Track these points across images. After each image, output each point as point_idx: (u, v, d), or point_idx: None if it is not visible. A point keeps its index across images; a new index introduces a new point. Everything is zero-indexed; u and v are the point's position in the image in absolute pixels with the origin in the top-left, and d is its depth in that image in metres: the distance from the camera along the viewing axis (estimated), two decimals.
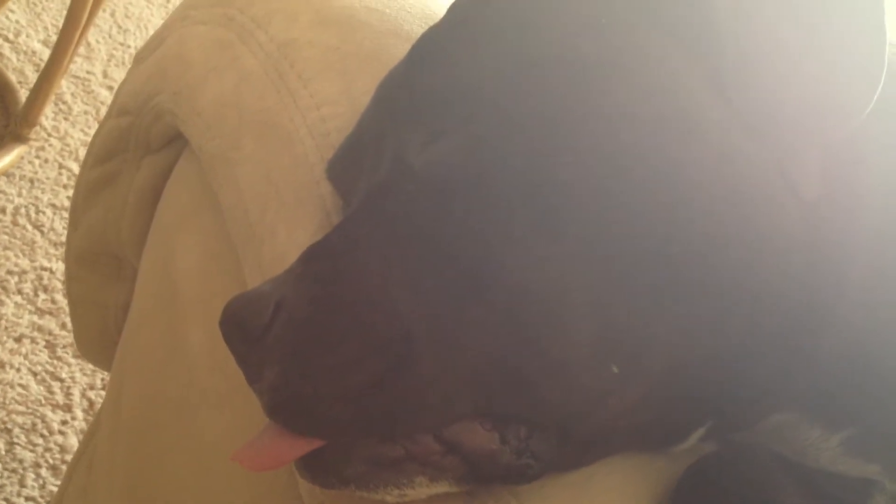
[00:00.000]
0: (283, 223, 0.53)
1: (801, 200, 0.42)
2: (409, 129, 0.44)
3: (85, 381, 1.21)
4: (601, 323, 0.40)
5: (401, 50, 0.51)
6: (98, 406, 1.19)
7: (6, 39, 1.73)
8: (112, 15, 1.91)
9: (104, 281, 0.78)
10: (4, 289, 1.29)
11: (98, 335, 0.81)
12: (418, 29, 0.60)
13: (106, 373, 1.25)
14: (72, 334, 1.25)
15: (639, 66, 0.42)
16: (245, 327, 0.41)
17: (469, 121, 0.42)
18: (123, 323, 0.74)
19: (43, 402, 1.17)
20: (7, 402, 1.15)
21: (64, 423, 1.16)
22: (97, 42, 1.83)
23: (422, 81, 0.45)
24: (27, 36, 1.75)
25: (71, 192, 1.49)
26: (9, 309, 1.27)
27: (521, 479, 0.42)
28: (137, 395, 0.64)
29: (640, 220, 0.40)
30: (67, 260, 0.80)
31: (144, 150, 0.71)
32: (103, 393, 1.21)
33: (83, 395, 1.20)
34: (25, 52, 1.72)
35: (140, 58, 0.72)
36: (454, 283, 0.40)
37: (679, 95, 0.41)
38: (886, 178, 0.44)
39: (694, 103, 0.41)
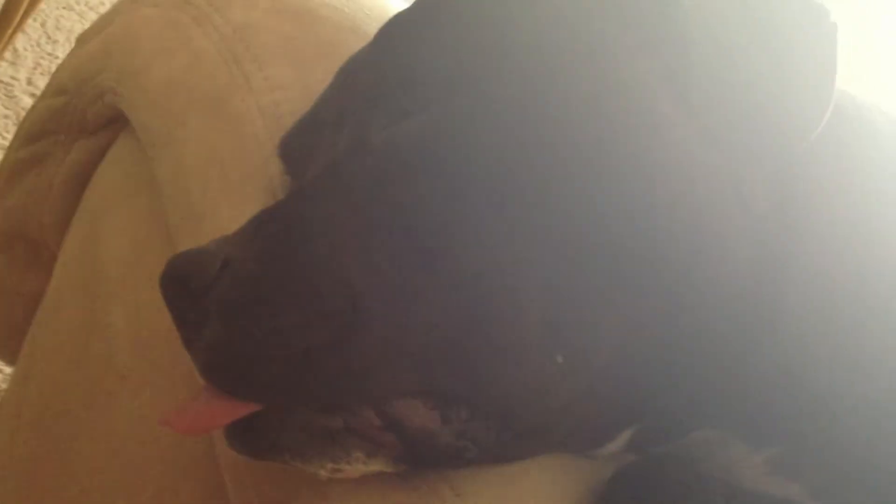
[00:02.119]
0: (227, 201, 0.52)
1: (750, 214, 0.43)
2: (372, 110, 0.44)
3: None
4: (549, 311, 0.40)
5: (357, 46, 0.50)
6: None
7: None
8: (42, 25, 1.88)
9: (18, 267, 0.75)
10: None
11: (5, 325, 0.77)
12: (375, 29, 0.60)
13: (1, 378, 1.19)
14: None
15: (605, 63, 0.42)
16: (187, 283, 0.39)
17: (433, 102, 0.42)
18: (34, 312, 0.71)
19: None
20: None
21: None
22: (24, 49, 1.78)
23: (387, 64, 0.45)
24: None
25: None
26: None
27: (457, 461, 0.41)
28: (47, 380, 0.61)
29: (594, 212, 0.40)
30: None
31: (78, 131, 0.69)
32: None
33: None
34: None
35: (83, 39, 0.71)
36: (407, 257, 0.39)
37: (643, 96, 0.42)
38: (831, 201, 0.45)
39: (656, 106, 0.42)
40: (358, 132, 0.44)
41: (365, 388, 0.39)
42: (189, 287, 0.39)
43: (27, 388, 0.63)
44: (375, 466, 0.40)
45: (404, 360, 0.39)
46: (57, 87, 0.70)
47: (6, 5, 1.41)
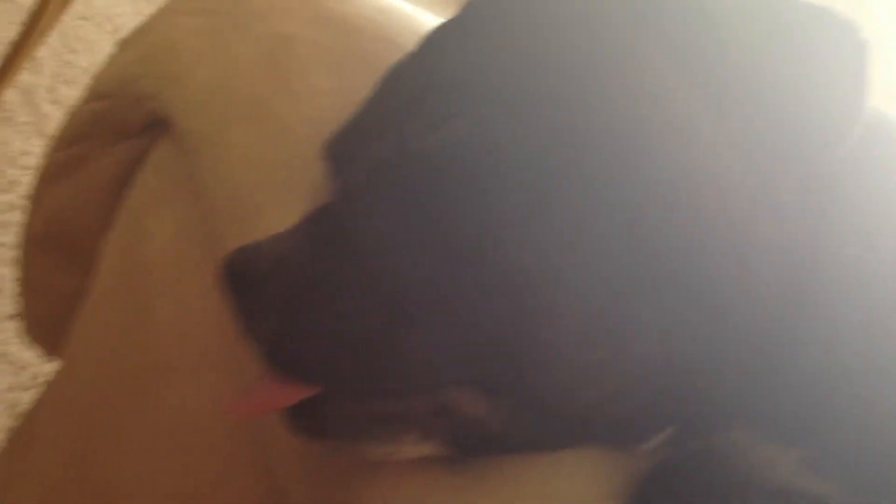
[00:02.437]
0: (271, 203, 0.54)
1: (781, 220, 0.45)
2: (414, 116, 0.46)
3: (9, 380, 1.17)
4: (590, 309, 0.42)
5: (392, 56, 0.53)
6: (21, 408, 1.15)
7: None
8: (63, 35, 1.90)
9: (59, 266, 0.77)
10: None
11: (47, 321, 0.79)
12: (409, 40, 0.62)
13: (28, 376, 1.21)
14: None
15: (640, 72, 0.44)
16: (246, 277, 0.42)
17: (473, 108, 0.44)
18: (75, 309, 0.73)
19: None
20: None
21: None
22: (44, 58, 1.81)
23: (429, 71, 0.47)
24: None
25: (7, 197, 1.46)
26: None
27: (503, 448, 0.43)
28: (93, 377, 0.63)
29: (631, 216, 0.42)
30: (22, 244, 0.79)
31: (118, 135, 0.71)
32: (24, 395, 1.18)
33: (7, 392, 1.16)
34: None
35: (125, 44, 0.73)
36: (453, 255, 0.41)
37: (676, 104, 0.44)
38: (861, 209, 0.47)
39: (689, 114, 0.44)
40: (400, 138, 0.46)
41: (416, 376, 0.40)
42: (248, 280, 0.42)
43: (73, 383, 0.65)
44: (426, 450, 0.42)
45: (452, 353, 0.41)
46: (97, 92, 0.72)
47: (29, 19, 1.44)
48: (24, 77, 1.70)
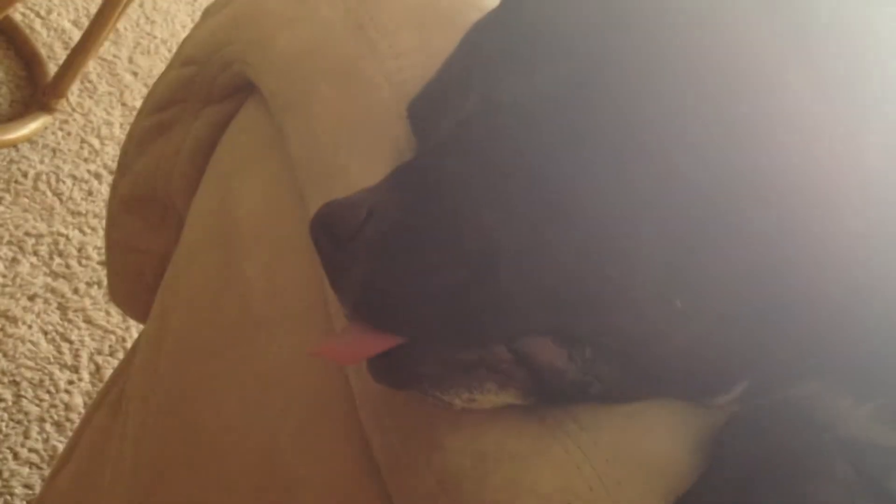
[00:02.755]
0: (357, 161, 0.56)
1: (864, 170, 0.44)
2: (500, 70, 0.47)
3: (93, 345, 1.22)
4: (669, 259, 0.42)
5: (474, 15, 0.53)
6: (105, 372, 1.20)
7: (38, 15, 1.75)
8: (141, 6, 1.95)
9: (147, 227, 0.80)
10: (21, 249, 1.30)
11: (134, 282, 0.82)
12: (492, 2, 0.63)
13: (114, 339, 1.26)
14: (83, 300, 1.27)
15: (727, 21, 0.44)
16: (336, 230, 0.43)
17: (560, 60, 0.45)
18: (161, 271, 0.76)
19: (51, 360, 1.18)
20: (17, 356, 1.16)
21: (70, 382, 1.17)
22: (125, 29, 1.86)
23: (515, 25, 0.48)
24: (58, 14, 1.78)
25: (92, 166, 1.51)
26: (24, 268, 1.28)
27: (582, 397, 0.44)
28: (185, 330, 0.66)
29: (713, 164, 0.42)
30: (110, 205, 0.82)
31: (205, 100, 0.73)
32: (110, 359, 1.22)
33: (91, 358, 1.21)
34: (55, 30, 1.75)
35: (210, 12, 0.75)
36: (537, 206, 0.42)
37: (763, 52, 0.44)
38: None
39: (774, 66, 0.44)
40: (487, 91, 0.47)
41: (499, 325, 0.42)
42: (338, 233, 0.43)
43: (164, 339, 0.68)
44: (506, 398, 0.43)
45: (535, 301, 0.42)
46: (185, 58, 0.74)
47: None
48: (106, 47, 1.75)
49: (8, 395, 1.12)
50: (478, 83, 0.48)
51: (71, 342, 1.22)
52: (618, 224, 0.42)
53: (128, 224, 0.81)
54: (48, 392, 1.14)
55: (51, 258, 1.31)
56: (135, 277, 0.82)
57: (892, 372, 0.47)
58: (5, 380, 1.14)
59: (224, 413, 0.57)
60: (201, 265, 0.66)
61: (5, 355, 1.16)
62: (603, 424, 0.45)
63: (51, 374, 1.17)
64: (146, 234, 0.80)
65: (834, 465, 0.45)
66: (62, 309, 1.25)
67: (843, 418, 0.49)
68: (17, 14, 1.68)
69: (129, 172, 0.80)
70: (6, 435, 1.08)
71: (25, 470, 1.06)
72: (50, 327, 1.22)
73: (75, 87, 1.61)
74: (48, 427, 1.10)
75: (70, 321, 1.24)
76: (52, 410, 1.12)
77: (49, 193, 1.40)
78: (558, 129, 0.43)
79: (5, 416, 1.09)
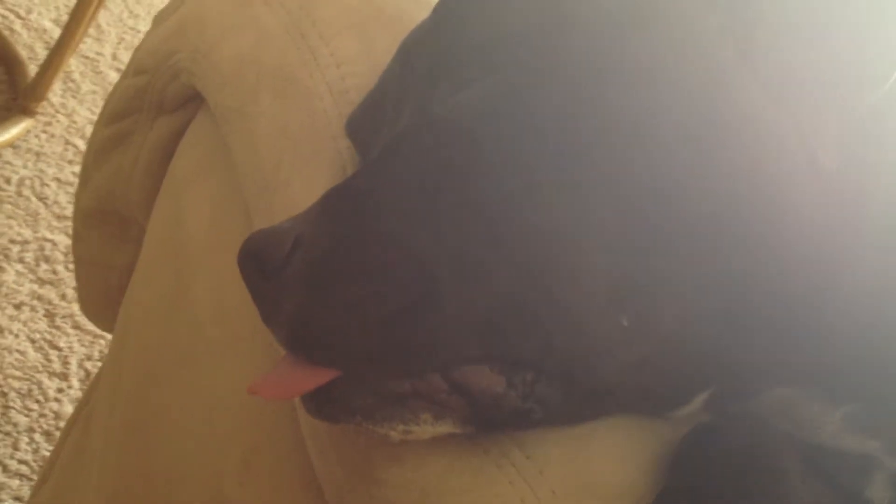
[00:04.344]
0: (298, 175, 0.54)
1: (818, 171, 0.43)
2: (433, 83, 0.45)
3: (83, 351, 1.21)
4: (613, 274, 0.40)
5: (420, 16, 0.51)
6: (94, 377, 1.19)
7: (18, 16, 1.73)
8: (124, 1, 1.93)
9: (110, 241, 0.78)
10: (6, 256, 1.29)
11: (101, 296, 0.81)
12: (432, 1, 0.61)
13: (104, 344, 1.25)
14: (72, 305, 1.26)
15: (667, 20, 0.43)
16: (263, 261, 0.41)
17: (495, 71, 0.43)
18: (126, 284, 0.75)
19: (40, 368, 1.18)
20: (4, 366, 1.16)
21: (60, 390, 1.16)
22: (108, 25, 1.84)
23: (448, 37, 0.46)
24: (38, 14, 1.76)
25: (76, 168, 1.50)
26: (9, 276, 1.27)
27: (524, 423, 0.42)
28: (141, 349, 0.65)
29: (657, 176, 0.41)
30: (75, 219, 0.81)
31: (158, 110, 0.72)
32: (100, 365, 1.22)
33: (80, 364, 1.20)
34: (36, 30, 1.73)
35: (159, 19, 0.73)
36: (473, 226, 0.41)
37: (706, 52, 0.42)
38: None
39: (720, 65, 0.42)
40: (420, 105, 0.45)
41: (434, 354, 0.40)
42: (264, 264, 0.41)
43: (124, 357, 0.67)
44: (444, 428, 0.42)
45: (472, 327, 0.40)
46: (137, 67, 0.72)
47: None
48: (89, 45, 1.74)
49: None
50: (413, 95, 0.46)
51: (59, 349, 1.21)
52: (559, 241, 0.40)
53: (91, 238, 0.80)
54: (37, 401, 1.14)
55: (37, 264, 1.30)
56: (102, 291, 0.81)
57: (863, 376, 0.46)
58: None
59: (173, 442, 0.56)
60: (155, 283, 0.65)
61: None
62: (550, 451, 0.43)
63: (39, 383, 1.16)
64: (109, 248, 0.78)
65: (791, 473, 0.44)
66: (50, 316, 1.24)
67: (814, 424, 0.48)
68: None
69: (89, 185, 0.78)
70: None
71: (16, 482, 1.06)
72: (37, 335, 1.22)
73: (58, 88, 1.59)
74: (38, 437, 1.10)
75: (58, 328, 1.23)
76: (42, 420, 1.12)
77: (33, 198, 1.39)
78: (494, 142, 0.41)
79: None
